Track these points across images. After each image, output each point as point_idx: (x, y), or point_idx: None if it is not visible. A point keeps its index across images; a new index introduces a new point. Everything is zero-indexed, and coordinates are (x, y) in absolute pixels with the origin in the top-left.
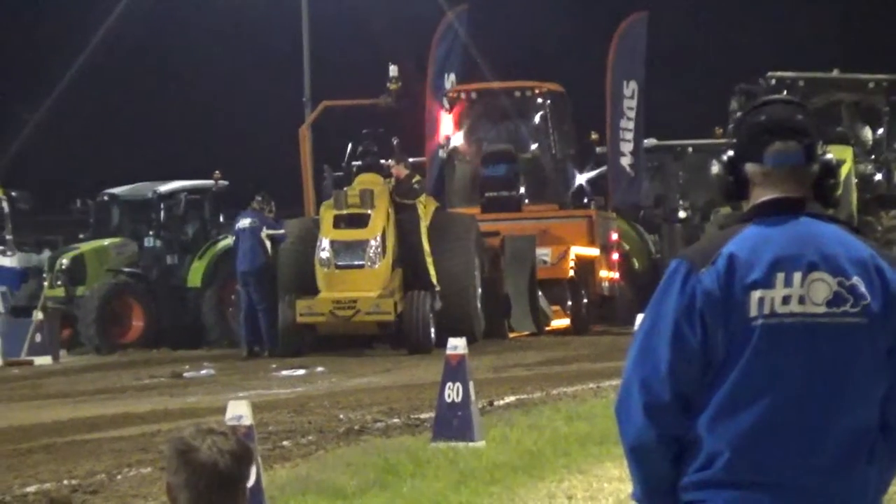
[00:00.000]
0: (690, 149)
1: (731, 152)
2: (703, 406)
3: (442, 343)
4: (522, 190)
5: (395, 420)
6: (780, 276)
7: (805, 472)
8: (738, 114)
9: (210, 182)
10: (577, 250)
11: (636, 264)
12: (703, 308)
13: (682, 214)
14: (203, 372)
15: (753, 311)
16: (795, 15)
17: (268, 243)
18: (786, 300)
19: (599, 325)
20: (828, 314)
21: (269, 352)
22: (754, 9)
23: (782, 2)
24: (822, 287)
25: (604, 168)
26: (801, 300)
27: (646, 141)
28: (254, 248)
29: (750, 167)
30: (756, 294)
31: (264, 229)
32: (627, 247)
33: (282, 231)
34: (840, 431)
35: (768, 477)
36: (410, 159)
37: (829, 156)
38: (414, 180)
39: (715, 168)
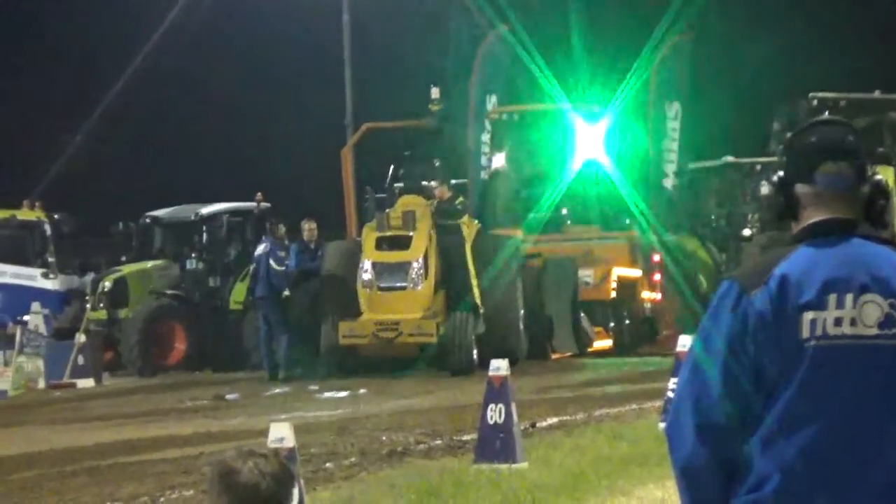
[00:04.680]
0: (759, 166)
1: (781, 173)
2: (754, 427)
3: (484, 364)
4: (565, 211)
5: (438, 442)
6: (832, 298)
7: (856, 495)
8: (787, 134)
9: (252, 204)
10: (619, 271)
11: (703, 283)
12: (754, 329)
13: (746, 232)
14: (233, 395)
15: (805, 333)
16: (837, 35)
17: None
18: (838, 322)
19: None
20: (879, 336)
21: (286, 375)
22: (796, 29)
23: (824, 22)
24: (873, 309)
25: None
26: (853, 322)
27: (724, 158)
28: (268, 273)
29: (800, 188)
30: (808, 316)
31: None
32: (694, 265)
33: (282, 268)
34: (892, 454)
35: (819, 500)
36: (453, 181)
37: (878, 176)
38: (458, 201)
39: (765, 189)
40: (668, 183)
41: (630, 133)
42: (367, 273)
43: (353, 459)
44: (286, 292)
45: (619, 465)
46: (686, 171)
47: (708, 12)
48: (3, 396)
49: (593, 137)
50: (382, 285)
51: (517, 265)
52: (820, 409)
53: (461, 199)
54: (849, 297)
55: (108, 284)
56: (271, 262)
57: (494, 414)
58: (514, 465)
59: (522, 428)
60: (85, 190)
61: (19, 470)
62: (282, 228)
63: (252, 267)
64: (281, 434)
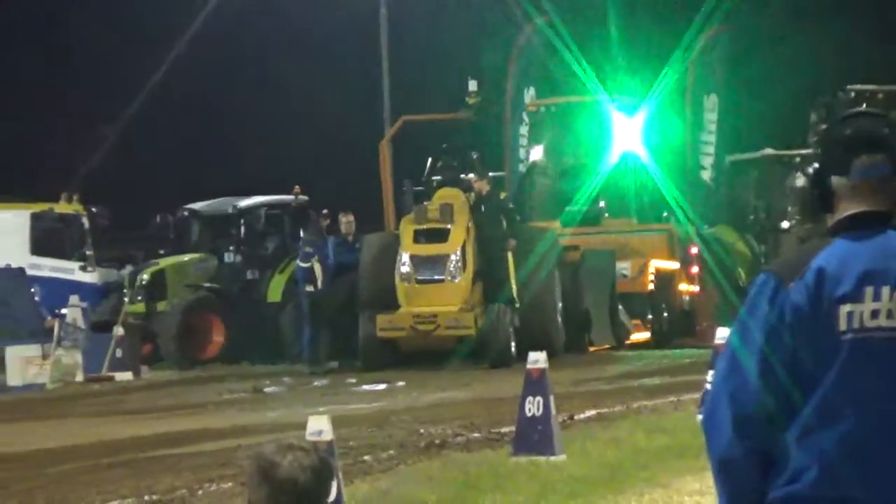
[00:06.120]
0: (798, 158)
1: (816, 165)
2: (792, 420)
3: (522, 357)
4: (602, 204)
5: (476, 434)
6: (869, 291)
7: (892, 487)
8: (822, 126)
9: (290, 197)
10: (656, 264)
11: (742, 275)
12: (791, 322)
13: (785, 224)
14: (271, 388)
15: (842, 326)
16: (876, 28)
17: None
18: (874, 314)
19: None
20: None
21: (309, 368)
22: (835, 22)
23: (862, 15)
24: None
25: None
26: (890, 314)
27: (763, 150)
28: (301, 267)
29: (836, 180)
30: (845, 308)
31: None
32: (733, 258)
33: (306, 265)
34: None
35: (855, 493)
36: (490, 174)
37: None
38: (501, 195)
39: (800, 181)
40: (707, 175)
41: (668, 125)
42: (405, 266)
43: (391, 452)
44: (308, 287)
45: (657, 457)
46: (725, 163)
47: (746, 4)
48: (42, 389)
49: (631, 130)
50: (420, 278)
51: (555, 258)
52: (856, 402)
53: (504, 193)
54: (885, 290)
55: (146, 277)
56: (298, 259)
57: (532, 406)
58: (552, 458)
59: (560, 420)
60: (123, 183)
61: (57, 463)
62: (323, 221)
63: None
64: (319, 427)
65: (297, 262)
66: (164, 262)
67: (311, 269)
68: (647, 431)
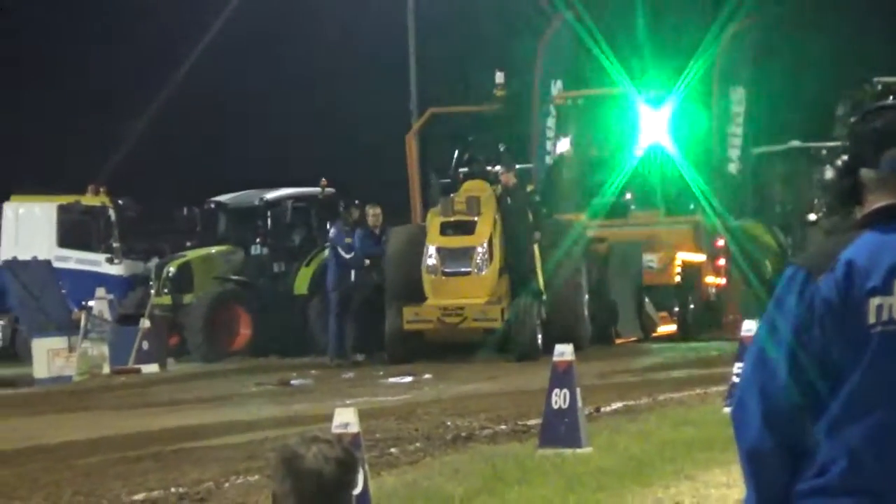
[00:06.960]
0: (825, 151)
1: (845, 157)
2: (820, 413)
3: (549, 349)
4: (629, 196)
5: (502, 427)
6: None
7: None
8: (849, 118)
9: (317, 189)
10: (683, 256)
11: (769, 268)
12: (821, 315)
13: (812, 217)
14: (298, 380)
15: (872, 319)
16: None
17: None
18: None
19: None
20: None
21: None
22: (861, 13)
23: (889, 6)
24: None
25: None
26: None
27: (790, 143)
28: (346, 259)
29: (865, 173)
30: (874, 301)
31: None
32: (759, 250)
33: (349, 256)
34: None
35: (884, 486)
36: (517, 166)
37: None
38: (528, 188)
39: (829, 173)
40: (733, 167)
41: (694, 117)
42: (431, 258)
43: (417, 444)
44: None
45: (684, 449)
46: (752, 155)
47: None
48: (68, 382)
49: (658, 122)
50: (447, 270)
51: (581, 250)
52: (885, 395)
53: (531, 186)
54: None
55: (172, 270)
56: (339, 249)
57: (559, 399)
58: (578, 451)
59: (587, 413)
60: (149, 175)
61: (84, 455)
62: (354, 213)
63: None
64: (345, 419)
65: (342, 254)
66: (191, 255)
67: (356, 260)
68: (673, 424)
